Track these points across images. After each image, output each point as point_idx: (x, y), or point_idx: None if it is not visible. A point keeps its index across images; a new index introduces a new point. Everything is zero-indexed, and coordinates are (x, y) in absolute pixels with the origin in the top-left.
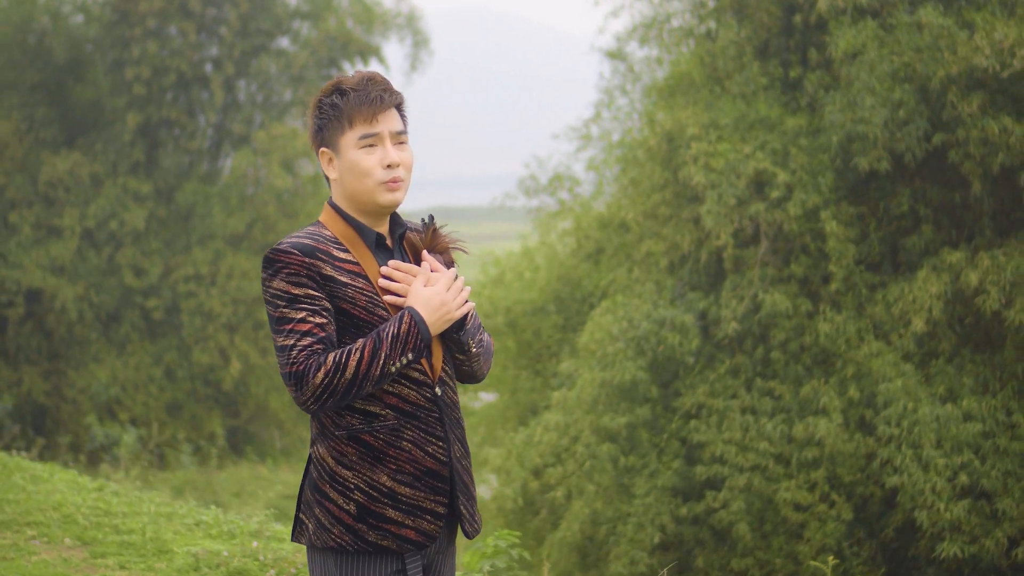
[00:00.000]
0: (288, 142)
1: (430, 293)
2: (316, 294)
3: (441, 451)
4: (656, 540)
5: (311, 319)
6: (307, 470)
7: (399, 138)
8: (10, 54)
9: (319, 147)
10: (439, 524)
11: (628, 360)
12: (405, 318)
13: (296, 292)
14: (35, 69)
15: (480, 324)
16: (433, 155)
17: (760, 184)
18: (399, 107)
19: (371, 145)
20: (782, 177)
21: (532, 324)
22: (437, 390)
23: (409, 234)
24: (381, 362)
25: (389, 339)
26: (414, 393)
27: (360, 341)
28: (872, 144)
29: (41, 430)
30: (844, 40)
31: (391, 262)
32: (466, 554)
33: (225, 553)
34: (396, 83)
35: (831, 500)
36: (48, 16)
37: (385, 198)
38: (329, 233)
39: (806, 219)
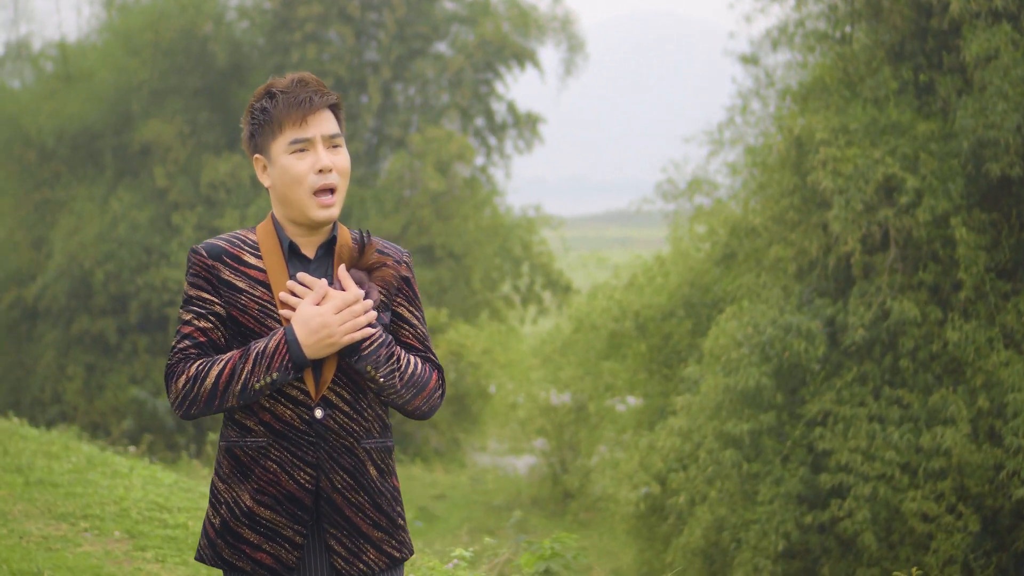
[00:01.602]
0: (443, 145)
1: (311, 313)
2: (208, 297)
3: (307, 478)
4: (780, 548)
5: (195, 322)
6: None
7: (333, 141)
8: (174, 59)
9: (252, 153)
10: (296, 554)
11: (752, 366)
12: (277, 335)
13: (191, 293)
14: (198, 74)
15: (394, 354)
16: (585, 159)
17: (889, 189)
18: (335, 108)
19: (302, 150)
20: (911, 183)
21: (662, 329)
22: (317, 412)
23: (347, 243)
24: (243, 377)
25: (254, 354)
26: (289, 412)
27: (230, 352)
28: (1004, 150)
29: (199, 425)
30: (976, 44)
31: (299, 275)
32: (523, 556)
33: None
34: (550, 87)
35: (958, 511)
36: (212, 22)
37: (319, 214)
38: (253, 239)
39: (936, 225)
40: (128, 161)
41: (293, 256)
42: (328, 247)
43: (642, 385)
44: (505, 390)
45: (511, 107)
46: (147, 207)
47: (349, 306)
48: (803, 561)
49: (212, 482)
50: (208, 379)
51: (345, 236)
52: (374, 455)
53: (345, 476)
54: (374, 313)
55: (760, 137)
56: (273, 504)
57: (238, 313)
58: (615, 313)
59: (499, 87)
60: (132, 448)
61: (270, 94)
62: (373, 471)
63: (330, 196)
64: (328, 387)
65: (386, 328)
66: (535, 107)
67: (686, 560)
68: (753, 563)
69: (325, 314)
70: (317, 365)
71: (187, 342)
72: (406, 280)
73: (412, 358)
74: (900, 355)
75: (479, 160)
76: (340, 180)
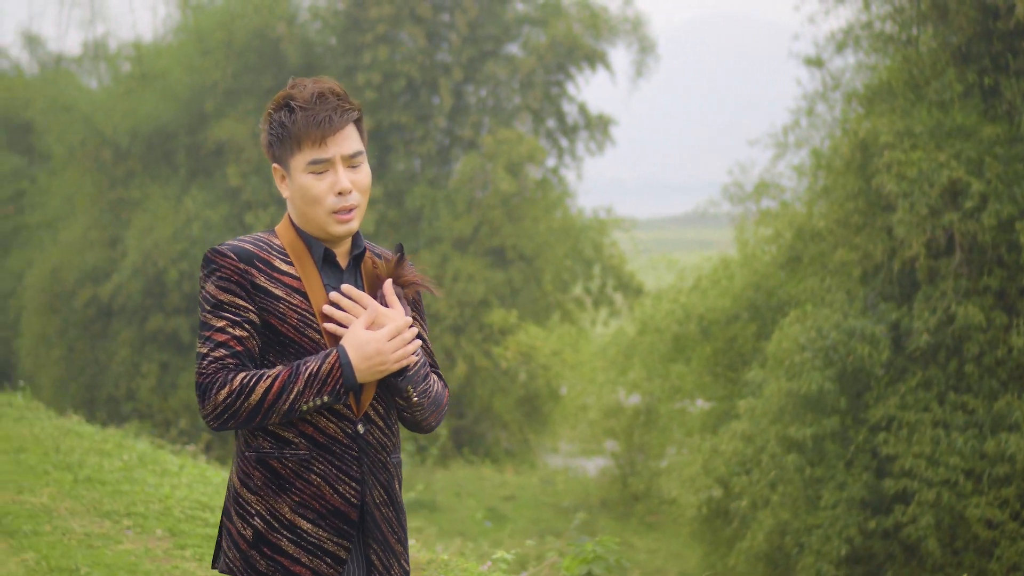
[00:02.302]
0: (514, 146)
1: (366, 338)
2: (243, 304)
3: (354, 493)
4: (843, 553)
5: (230, 330)
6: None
7: (352, 160)
8: (246, 60)
9: (272, 161)
10: (338, 569)
11: (816, 370)
12: (331, 358)
13: (222, 298)
14: (270, 74)
15: (428, 374)
16: (667, 160)
17: (954, 194)
18: (357, 121)
19: (322, 171)
20: (977, 187)
21: (726, 332)
22: (360, 427)
23: (368, 257)
24: (292, 397)
25: (307, 375)
26: (333, 426)
27: (277, 368)
28: None
29: None
30: None
31: (343, 287)
32: (566, 559)
33: None
34: (620, 88)
35: (1023, 518)
36: (284, 23)
37: (338, 229)
38: (278, 243)
39: (1001, 230)
40: (201, 160)
41: (327, 264)
42: (357, 259)
43: (707, 388)
44: (575, 392)
45: (582, 109)
46: (220, 206)
47: (400, 332)
48: (866, 566)
49: (236, 493)
50: (253, 395)
51: (367, 250)
52: (398, 470)
53: (381, 491)
54: (417, 341)
55: (826, 140)
56: (316, 518)
57: (276, 321)
58: (679, 316)
59: (570, 88)
60: (190, 446)
61: (289, 107)
62: (397, 485)
63: (349, 213)
64: (369, 403)
65: None
66: (610, 109)
67: (749, 564)
68: (816, 568)
69: (380, 340)
70: None
71: (223, 351)
72: (417, 294)
73: (433, 376)
74: (965, 360)
75: (550, 162)
76: (360, 198)
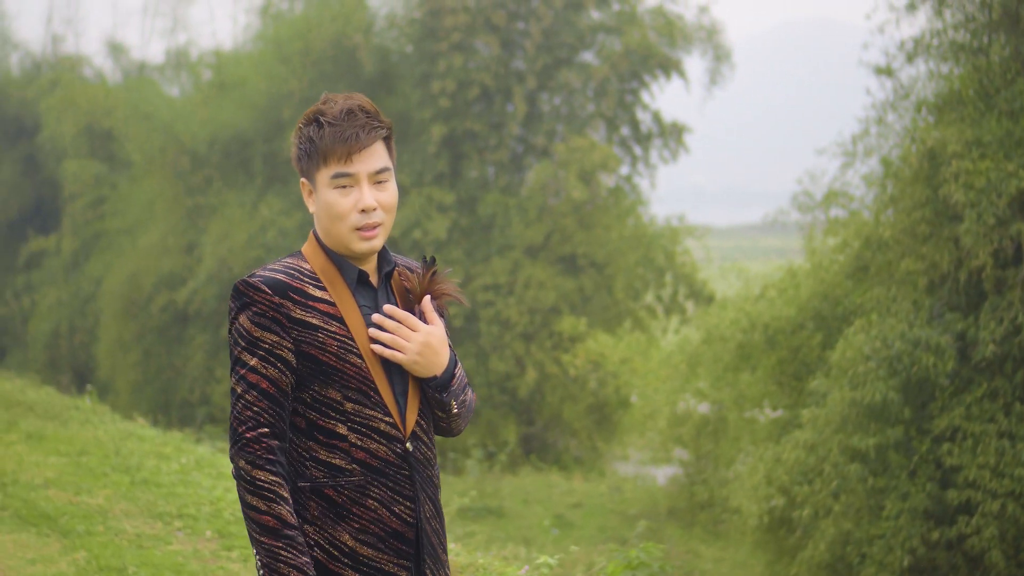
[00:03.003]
0: (586, 154)
1: None
2: (277, 339)
3: (409, 512)
4: (906, 564)
5: (262, 370)
6: None
7: (378, 177)
8: (323, 68)
9: (300, 175)
10: None
11: (880, 380)
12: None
13: (256, 335)
14: (346, 83)
15: (466, 384)
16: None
17: (1023, 203)
18: (386, 138)
19: (346, 186)
20: None
21: (792, 341)
22: (409, 446)
23: (399, 272)
24: (259, 550)
25: (279, 564)
26: (384, 448)
27: (284, 511)
28: None
29: None
30: None
31: (385, 307)
32: (610, 564)
33: None
34: (695, 97)
35: None
36: (360, 32)
37: (360, 247)
38: (308, 267)
39: None
40: (277, 168)
41: (359, 285)
42: (388, 276)
43: (773, 397)
44: (644, 399)
45: (656, 116)
46: (295, 214)
47: None
48: None
49: None
50: (251, 511)
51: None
52: (440, 481)
53: (430, 505)
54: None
55: (895, 149)
56: (376, 542)
57: (316, 352)
58: (744, 325)
59: (644, 96)
60: None
61: (318, 122)
62: (441, 497)
63: (373, 230)
64: (415, 420)
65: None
66: (685, 117)
67: (811, 574)
68: None
69: None
70: (402, 397)
71: (255, 394)
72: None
73: (469, 386)
74: None
75: (624, 169)
76: (385, 216)
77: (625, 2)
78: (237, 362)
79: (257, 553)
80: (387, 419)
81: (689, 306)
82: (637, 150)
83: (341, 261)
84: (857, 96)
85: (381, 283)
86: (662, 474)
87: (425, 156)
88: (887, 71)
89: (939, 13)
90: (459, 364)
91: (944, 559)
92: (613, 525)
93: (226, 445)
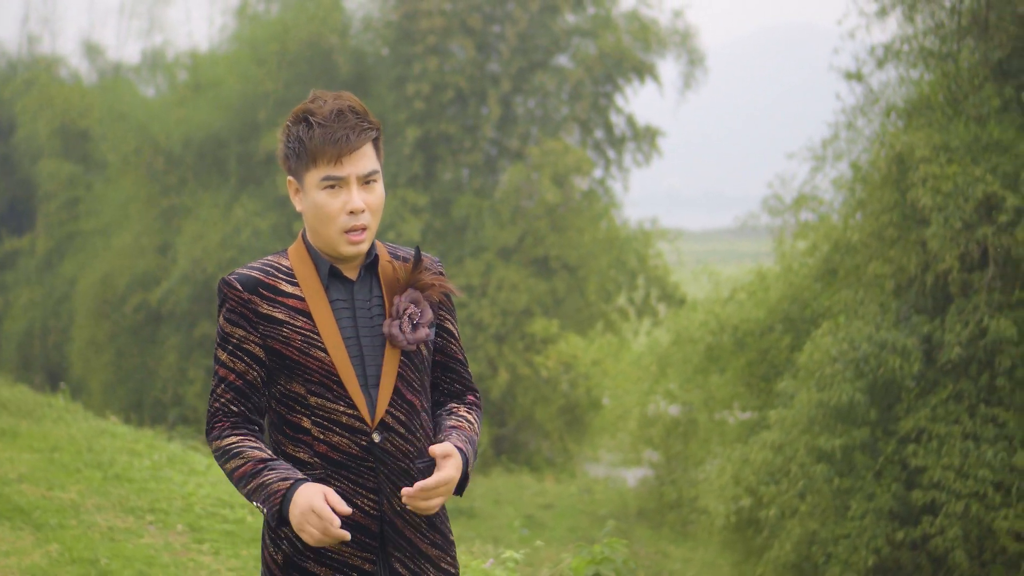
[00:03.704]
0: (560, 157)
1: (310, 500)
2: (243, 334)
3: (372, 504)
4: (871, 563)
5: (230, 364)
6: None
7: (367, 179)
8: (298, 69)
9: (288, 174)
10: None
11: (846, 382)
12: (284, 484)
13: (227, 330)
14: (322, 84)
15: (475, 452)
16: (725, 172)
17: (989, 208)
18: (375, 140)
19: (334, 187)
20: (1012, 201)
21: (760, 343)
22: (375, 437)
23: (385, 263)
24: (246, 489)
25: (261, 481)
26: (346, 441)
27: (251, 452)
28: None
29: None
30: None
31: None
32: (574, 560)
33: None
34: (669, 101)
35: None
36: (336, 34)
37: (347, 250)
38: (286, 264)
39: None
40: (252, 169)
41: (334, 279)
42: (370, 267)
43: (742, 399)
44: (615, 401)
45: (630, 120)
46: (269, 215)
47: (323, 517)
48: None
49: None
50: (227, 465)
51: (383, 253)
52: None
53: (400, 499)
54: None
55: (864, 153)
56: None
57: (280, 346)
58: (713, 327)
59: (619, 100)
60: None
61: (308, 122)
62: None
63: (360, 233)
64: (385, 410)
65: (434, 344)
66: (660, 121)
67: (777, 573)
68: None
69: (308, 513)
70: (373, 389)
71: (223, 387)
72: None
73: (475, 420)
74: (997, 374)
75: (597, 173)
76: (372, 218)
77: (600, 6)
78: (215, 358)
79: (255, 503)
80: (350, 412)
81: (661, 309)
82: (611, 153)
83: (317, 256)
84: (829, 101)
85: (362, 275)
86: (632, 476)
87: (399, 158)
88: (857, 76)
89: (909, 19)
90: (471, 445)
91: (908, 559)
92: (583, 526)
93: (198, 443)
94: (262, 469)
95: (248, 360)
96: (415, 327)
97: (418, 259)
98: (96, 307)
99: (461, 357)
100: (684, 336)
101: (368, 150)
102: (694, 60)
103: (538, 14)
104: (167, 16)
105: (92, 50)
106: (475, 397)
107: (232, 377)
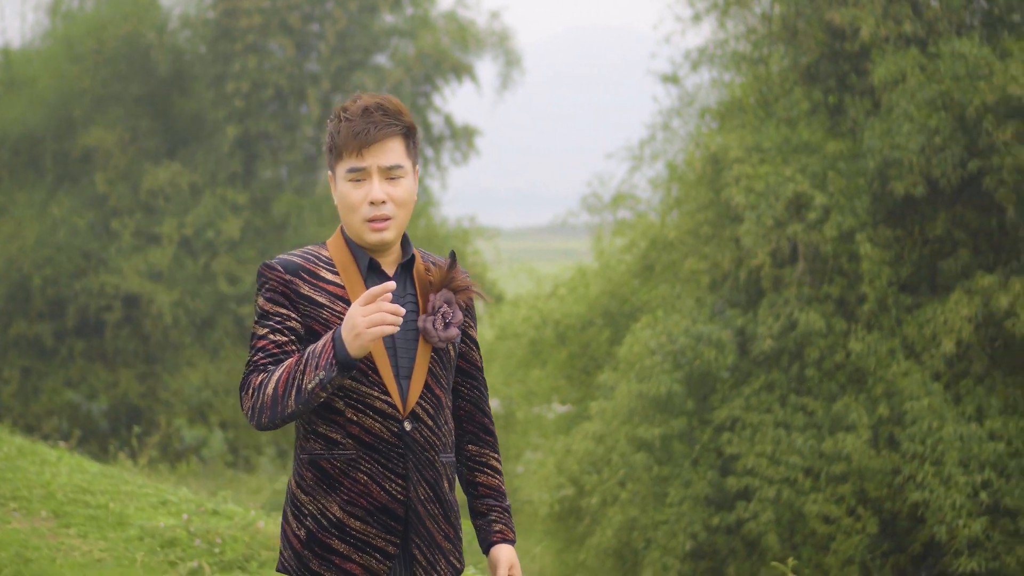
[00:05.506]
0: None
1: (350, 312)
2: (286, 312)
3: (399, 489)
4: (688, 548)
5: (271, 336)
6: None
7: (391, 173)
8: (116, 67)
9: (328, 168)
10: (387, 564)
11: (664, 373)
12: (328, 335)
13: (267, 309)
14: (139, 82)
15: (499, 479)
16: (538, 171)
17: (799, 206)
18: (406, 135)
19: (358, 179)
20: (820, 200)
21: (581, 337)
22: (406, 425)
23: (421, 264)
24: (296, 379)
25: (307, 355)
26: (379, 425)
27: (287, 361)
28: (908, 169)
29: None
30: (884, 67)
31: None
32: None
33: (162, 525)
34: (486, 101)
35: (857, 514)
36: (154, 31)
37: (371, 237)
38: (326, 255)
39: (842, 241)
40: (69, 167)
41: (372, 273)
42: (406, 266)
43: (562, 392)
44: None
45: (448, 120)
46: (86, 213)
47: (374, 298)
48: (710, 561)
49: (292, 495)
50: (269, 385)
51: (418, 257)
52: (448, 469)
53: (427, 488)
54: (400, 310)
55: (680, 153)
56: (364, 515)
57: (321, 328)
58: (536, 322)
59: (436, 100)
60: (63, 443)
61: (339, 118)
62: (446, 484)
63: (382, 222)
64: (416, 401)
65: (457, 348)
66: (479, 121)
67: (599, 559)
68: (662, 562)
69: (354, 307)
70: (405, 380)
71: (260, 355)
72: (469, 299)
73: (500, 464)
74: (806, 364)
75: None
76: (396, 210)
77: (419, 6)
78: (252, 335)
79: (311, 385)
80: (384, 398)
81: (479, 306)
82: (429, 152)
83: (356, 249)
84: (646, 102)
85: (398, 273)
86: None
87: (219, 156)
88: (673, 79)
89: (722, 24)
90: (507, 511)
91: (724, 543)
92: None
93: (39, 438)
94: (302, 353)
95: (288, 334)
96: (447, 325)
97: (453, 261)
98: None
99: (481, 366)
100: (508, 331)
101: (394, 145)
102: (511, 61)
103: (357, 13)
104: None
105: None
106: (490, 421)
107: (271, 346)
